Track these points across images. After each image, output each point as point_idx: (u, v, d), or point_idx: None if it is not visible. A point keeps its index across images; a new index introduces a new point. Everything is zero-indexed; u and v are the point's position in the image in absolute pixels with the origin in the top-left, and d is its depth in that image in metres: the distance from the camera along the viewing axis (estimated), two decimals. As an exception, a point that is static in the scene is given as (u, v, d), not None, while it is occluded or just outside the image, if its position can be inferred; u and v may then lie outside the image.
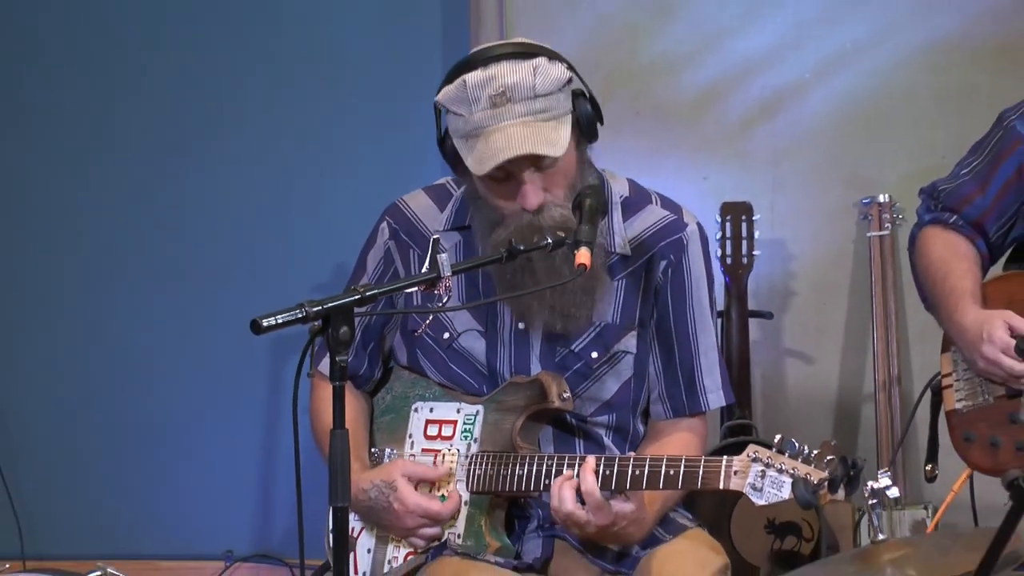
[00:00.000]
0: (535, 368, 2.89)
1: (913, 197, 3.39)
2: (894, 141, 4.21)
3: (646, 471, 2.63)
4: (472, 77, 2.73)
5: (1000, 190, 3.18)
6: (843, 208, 4.22)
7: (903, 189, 4.09)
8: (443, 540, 2.81)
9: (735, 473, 2.56)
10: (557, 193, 2.77)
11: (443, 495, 2.83)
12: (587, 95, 2.81)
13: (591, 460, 2.66)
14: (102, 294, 4.45)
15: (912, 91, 4.20)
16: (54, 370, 4.47)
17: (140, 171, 4.42)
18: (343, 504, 2.34)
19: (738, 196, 4.16)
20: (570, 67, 2.80)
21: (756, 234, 4.10)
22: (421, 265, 2.59)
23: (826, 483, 2.46)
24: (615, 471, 2.65)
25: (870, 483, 2.42)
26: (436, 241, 2.56)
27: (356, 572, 2.89)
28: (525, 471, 2.76)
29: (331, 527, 2.38)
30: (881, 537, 2.41)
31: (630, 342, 2.90)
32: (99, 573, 3.07)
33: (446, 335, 2.93)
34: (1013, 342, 2.99)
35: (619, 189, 2.95)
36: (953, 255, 3.19)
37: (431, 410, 2.92)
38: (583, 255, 2.65)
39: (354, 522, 2.90)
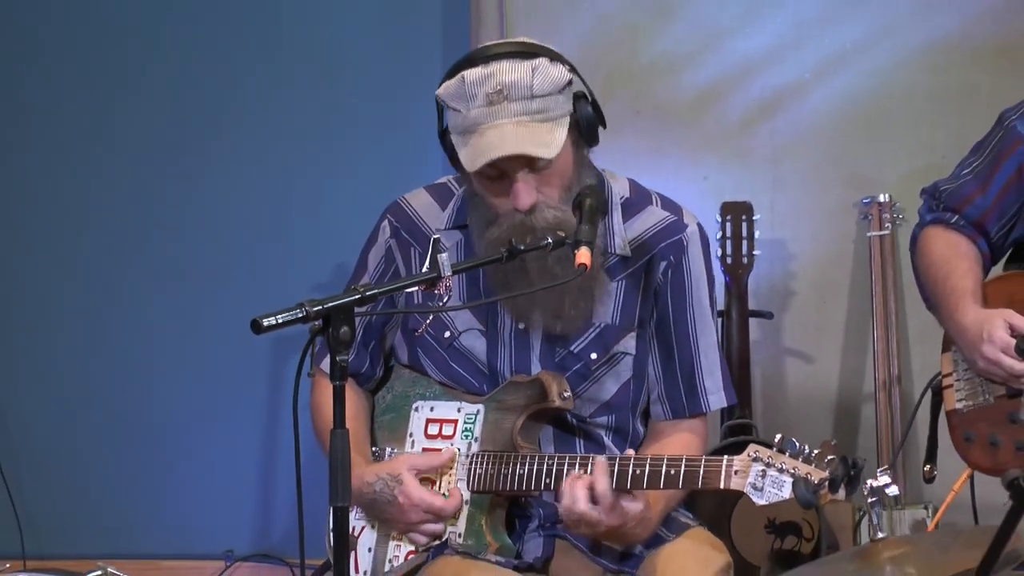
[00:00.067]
0: (535, 368, 2.89)
1: (913, 197, 3.39)
2: (894, 141, 4.21)
3: (647, 470, 2.63)
4: (471, 74, 2.74)
5: (1001, 190, 3.18)
6: (843, 208, 4.23)
7: (903, 189, 4.10)
8: (444, 539, 2.81)
9: (736, 473, 2.56)
10: (551, 194, 2.77)
11: (445, 493, 2.83)
12: (589, 98, 2.81)
13: (603, 461, 2.66)
14: (102, 294, 4.45)
15: (912, 91, 4.20)
16: (54, 370, 4.47)
17: (140, 171, 4.42)
18: (343, 504, 2.34)
19: (738, 196, 4.16)
20: (573, 69, 2.80)
21: (756, 234, 4.10)
22: (422, 264, 2.59)
23: (827, 483, 2.47)
24: (616, 470, 2.65)
25: (869, 481, 2.42)
26: (436, 241, 2.57)
27: (357, 571, 2.89)
28: (526, 470, 2.76)
29: (331, 526, 2.38)
30: (881, 535, 2.41)
31: (629, 343, 2.90)
32: (99, 573, 3.06)
33: (447, 334, 2.93)
34: (1013, 342, 2.99)
35: (619, 190, 2.94)
36: (954, 255, 3.19)
37: (432, 409, 2.92)
38: (583, 255, 2.65)
39: (355, 521, 2.90)
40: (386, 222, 3.00)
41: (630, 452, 2.73)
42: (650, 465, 2.63)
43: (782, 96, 4.24)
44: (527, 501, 2.88)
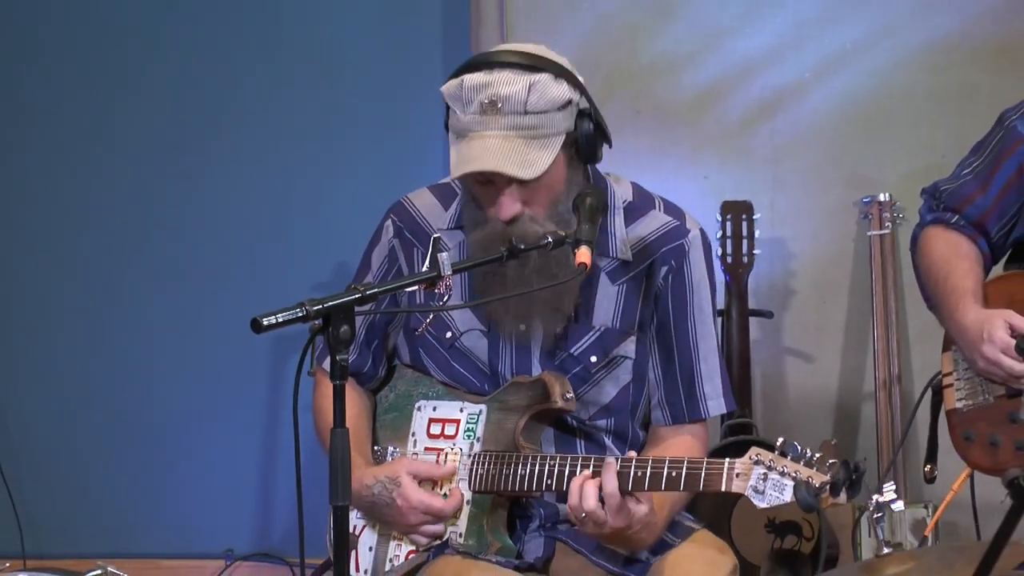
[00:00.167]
0: (535, 370, 2.88)
1: (913, 196, 3.39)
2: (894, 140, 4.22)
3: (648, 472, 2.62)
4: (471, 78, 2.73)
5: (1001, 190, 3.18)
6: (843, 207, 4.23)
7: (903, 188, 4.10)
8: (445, 539, 2.81)
9: (737, 475, 2.55)
10: (536, 209, 2.76)
11: (445, 493, 2.83)
12: (592, 116, 2.79)
13: (613, 462, 2.66)
14: (102, 294, 4.45)
15: (912, 91, 4.21)
16: (54, 370, 4.47)
17: (140, 171, 4.42)
18: (343, 503, 2.35)
19: (738, 195, 4.16)
20: (579, 86, 2.78)
21: (756, 233, 4.11)
22: (425, 264, 2.59)
23: (828, 487, 2.46)
24: (617, 472, 2.65)
25: (875, 497, 2.43)
26: (437, 240, 2.57)
27: (358, 570, 2.88)
28: (527, 471, 2.76)
29: (332, 525, 2.38)
30: (886, 551, 2.41)
31: (629, 347, 2.90)
32: (99, 572, 3.07)
33: (448, 334, 2.93)
34: (1013, 342, 2.99)
35: (622, 193, 2.93)
36: (955, 255, 3.19)
37: (434, 409, 2.92)
38: (583, 254, 2.65)
39: (356, 520, 2.90)
40: (389, 222, 2.99)
41: (632, 454, 2.73)
42: (652, 467, 2.63)
43: (782, 96, 4.24)
44: (528, 501, 2.87)
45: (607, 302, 2.87)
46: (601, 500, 2.64)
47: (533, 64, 2.74)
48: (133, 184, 4.43)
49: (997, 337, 3.00)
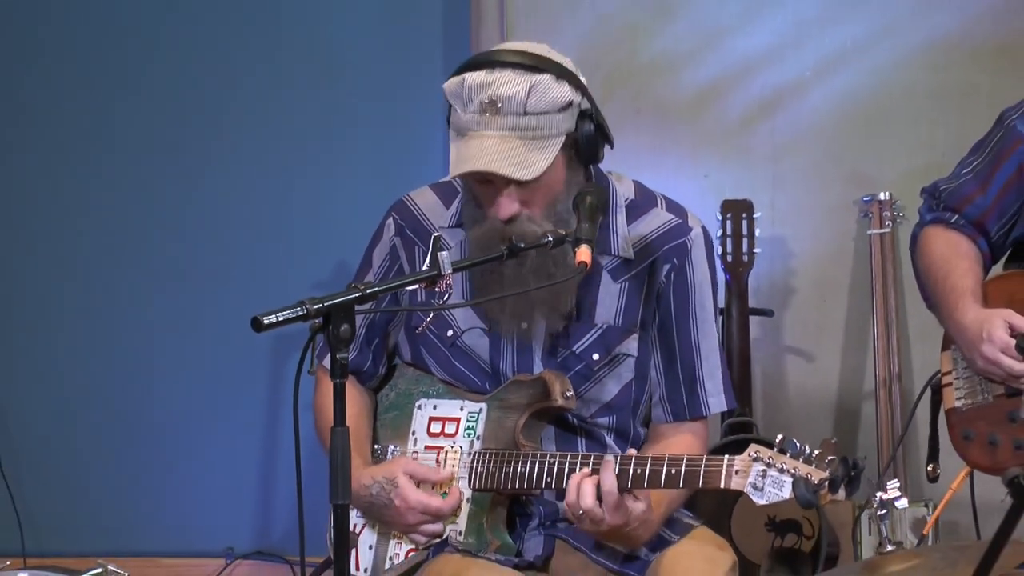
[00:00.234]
0: (537, 367, 2.88)
1: (913, 195, 3.39)
2: (894, 139, 4.22)
3: (648, 470, 2.63)
4: (471, 77, 2.73)
5: (1001, 189, 3.18)
6: (843, 206, 4.23)
7: (903, 187, 4.10)
8: (444, 537, 2.82)
9: (736, 472, 2.56)
10: (534, 209, 2.77)
11: (444, 492, 2.83)
12: (594, 117, 2.79)
13: (611, 459, 2.66)
14: (102, 294, 4.45)
15: (912, 89, 4.21)
16: (54, 369, 4.47)
17: (140, 171, 4.42)
18: (343, 501, 2.35)
19: (739, 194, 4.16)
20: (580, 87, 2.78)
21: (757, 232, 4.11)
22: (425, 262, 2.59)
23: (827, 483, 2.46)
24: (617, 469, 2.65)
25: (879, 494, 2.43)
26: (437, 238, 2.57)
27: (358, 568, 2.89)
28: (527, 469, 2.76)
29: (332, 524, 2.38)
30: (889, 549, 2.41)
31: (631, 345, 2.90)
32: (100, 570, 3.07)
33: (449, 332, 2.93)
34: (1013, 341, 2.99)
35: (624, 191, 2.94)
36: (954, 254, 3.19)
37: (435, 407, 2.92)
38: (583, 252, 2.65)
39: (356, 519, 2.90)
40: (391, 220, 3.00)
41: (632, 451, 2.73)
42: (651, 464, 2.63)
43: (782, 94, 4.24)
44: (528, 500, 2.87)
45: (609, 300, 2.88)
46: (599, 498, 2.64)
47: (535, 65, 2.73)
48: (133, 184, 4.43)
49: (996, 336, 3.00)
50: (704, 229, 2.95)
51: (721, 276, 4.03)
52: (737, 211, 4.12)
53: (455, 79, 2.77)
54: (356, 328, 2.44)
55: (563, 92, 2.73)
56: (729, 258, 4.09)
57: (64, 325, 4.47)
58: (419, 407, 2.94)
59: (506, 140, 2.70)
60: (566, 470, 2.71)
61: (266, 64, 4.38)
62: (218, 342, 4.38)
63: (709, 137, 4.27)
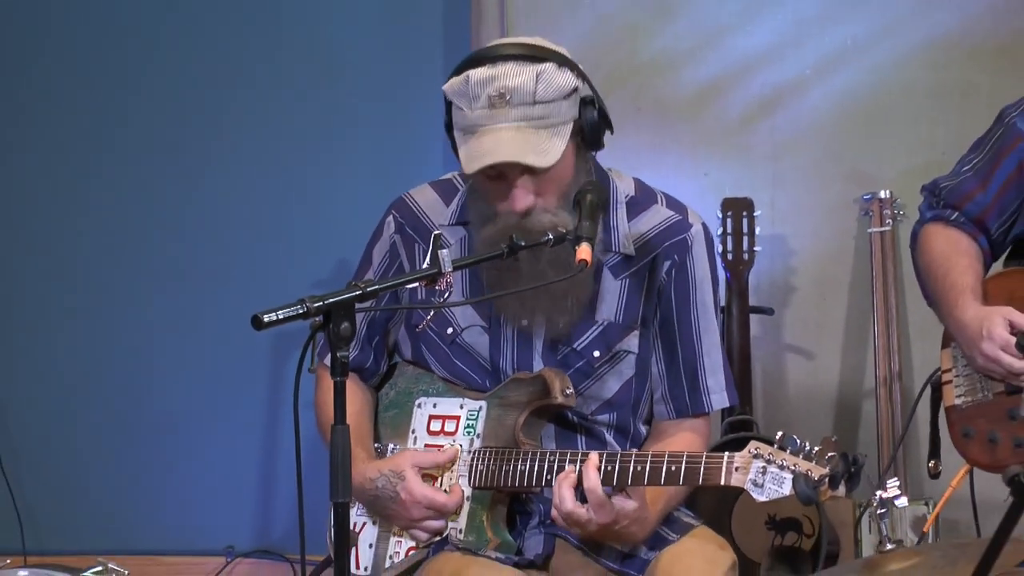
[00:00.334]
0: (537, 365, 2.88)
1: (913, 193, 3.40)
2: (894, 137, 4.22)
3: (648, 467, 2.62)
4: (475, 74, 2.73)
5: (1001, 187, 3.18)
6: (843, 204, 4.23)
7: (903, 185, 4.10)
8: (445, 535, 2.81)
9: (736, 469, 2.56)
10: (549, 199, 2.77)
11: (446, 490, 2.83)
12: (596, 103, 2.80)
13: (594, 456, 2.66)
14: (102, 293, 4.45)
15: (912, 88, 4.21)
16: (55, 368, 4.47)
17: (140, 171, 4.43)
18: (344, 500, 2.34)
19: (739, 192, 4.16)
20: (581, 74, 2.79)
21: (757, 230, 4.11)
22: (426, 260, 2.59)
23: (827, 479, 2.46)
24: (617, 467, 2.65)
25: (879, 493, 2.43)
26: (437, 236, 2.57)
27: (358, 567, 2.89)
28: (527, 467, 2.76)
29: (332, 522, 2.38)
30: (889, 547, 2.41)
31: (632, 341, 2.90)
32: (100, 568, 3.07)
33: (449, 330, 2.93)
34: (1013, 339, 2.99)
35: (625, 188, 2.94)
36: (954, 251, 3.19)
37: (434, 405, 2.92)
38: (584, 251, 2.65)
39: (356, 517, 2.90)
40: (391, 218, 3.00)
41: (632, 450, 2.73)
42: (651, 462, 2.63)
43: (782, 93, 4.24)
44: (528, 498, 2.87)
45: (610, 297, 2.88)
46: (583, 498, 2.64)
47: (536, 55, 2.75)
48: (133, 184, 4.43)
49: (996, 334, 3.00)
50: (704, 226, 2.95)
51: (722, 273, 4.03)
52: (737, 209, 4.12)
53: (456, 79, 2.77)
54: (357, 326, 2.44)
55: (567, 78, 2.74)
56: (729, 256, 4.09)
57: (64, 325, 4.48)
58: (419, 405, 2.94)
59: (520, 131, 2.70)
60: (566, 468, 2.71)
61: (266, 64, 4.39)
62: (218, 342, 4.38)
63: (709, 136, 4.27)
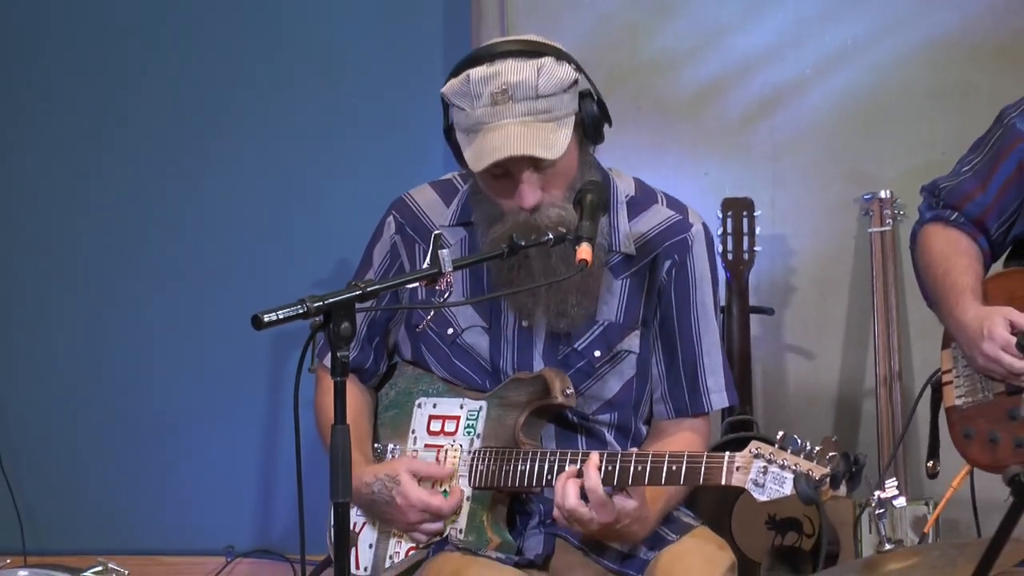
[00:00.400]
0: (538, 365, 2.88)
1: (913, 193, 3.40)
2: (894, 137, 4.22)
3: (648, 467, 2.63)
4: (476, 72, 2.73)
5: (1001, 187, 3.18)
6: (844, 204, 4.23)
7: (903, 185, 4.10)
8: (445, 535, 2.81)
9: (737, 469, 2.56)
10: (555, 194, 2.77)
11: (445, 490, 2.83)
12: (595, 96, 2.80)
13: (595, 456, 2.66)
14: (102, 293, 4.45)
15: (912, 88, 4.21)
16: (55, 368, 4.47)
17: (140, 171, 4.43)
18: (344, 499, 2.34)
19: (739, 192, 4.16)
20: (579, 68, 2.79)
21: (757, 230, 4.10)
22: (426, 260, 2.59)
23: (828, 479, 2.46)
24: (617, 467, 2.65)
25: (877, 493, 2.42)
26: (437, 236, 2.57)
27: (358, 567, 2.88)
28: (527, 467, 2.76)
29: (332, 522, 2.38)
30: (888, 547, 2.41)
31: (633, 341, 2.90)
32: (100, 568, 3.07)
33: (450, 331, 2.93)
34: (1013, 339, 2.98)
35: (625, 188, 2.94)
36: (954, 252, 3.19)
37: (434, 406, 2.92)
38: (584, 251, 2.65)
39: (356, 517, 2.90)
40: (391, 218, 3.00)
41: (632, 450, 2.73)
42: (652, 461, 2.63)
43: (782, 93, 4.24)
44: (528, 498, 2.87)
45: (610, 297, 2.88)
46: (584, 496, 2.64)
47: (533, 49, 2.75)
48: (133, 184, 4.43)
49: (997, 334, 3.00)
50: (705, 225, 2.95)
51: (722, 273, 4.02)
52: (737, 209, 4.12)
53: (455, 80, 2.77)
54: (357, 326, 2.44)
55: (567, 72, 2.75)
56: (729, 256, 4.09)
57: (64, 325, 4.48)
58: (419, 405, 2.94)
59: (527, 125, 2.71)
60: (566, 468, 2.71)
61: (266, 64, 4.39)
62: (218, 342, 4.38)
63: (709, 135, 4.27)
